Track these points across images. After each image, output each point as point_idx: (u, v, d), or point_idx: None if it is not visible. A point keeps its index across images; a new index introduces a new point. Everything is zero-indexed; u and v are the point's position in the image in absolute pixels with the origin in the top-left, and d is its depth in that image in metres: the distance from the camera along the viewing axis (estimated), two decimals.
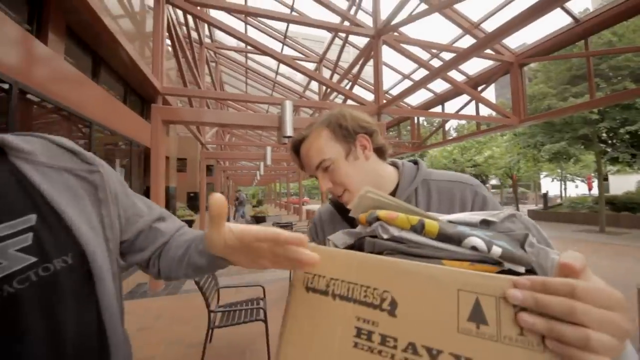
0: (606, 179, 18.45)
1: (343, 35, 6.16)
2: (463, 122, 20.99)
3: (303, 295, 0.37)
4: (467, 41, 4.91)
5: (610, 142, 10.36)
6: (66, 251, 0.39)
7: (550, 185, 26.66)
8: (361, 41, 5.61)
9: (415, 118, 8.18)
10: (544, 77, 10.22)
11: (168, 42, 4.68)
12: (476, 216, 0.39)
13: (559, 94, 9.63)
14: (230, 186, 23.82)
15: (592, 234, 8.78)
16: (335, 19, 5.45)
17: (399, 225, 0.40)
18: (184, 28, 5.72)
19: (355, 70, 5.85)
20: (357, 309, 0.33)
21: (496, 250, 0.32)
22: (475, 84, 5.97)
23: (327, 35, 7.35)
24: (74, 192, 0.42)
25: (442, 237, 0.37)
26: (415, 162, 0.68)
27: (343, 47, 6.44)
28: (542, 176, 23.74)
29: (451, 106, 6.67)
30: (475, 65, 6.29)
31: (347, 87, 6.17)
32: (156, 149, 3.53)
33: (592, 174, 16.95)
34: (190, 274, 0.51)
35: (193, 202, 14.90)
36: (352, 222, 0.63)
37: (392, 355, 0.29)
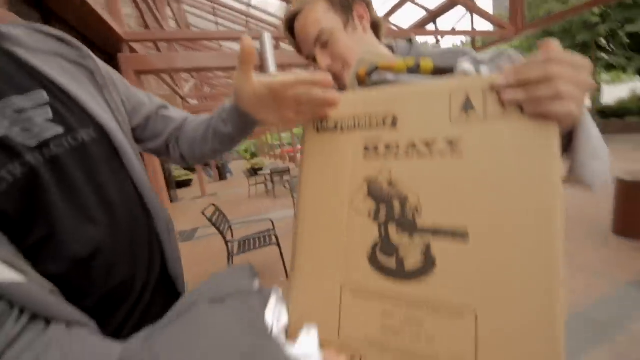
0: (599, 90, 18.18)
1: None
2: (457, 42, 19.58)
3: (314, 137, 0.41)
4: None
5: (608, 47, 9.91)
6: (87, 125, 0.39)
7: None
8: None
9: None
10: None
11: None
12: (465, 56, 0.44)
13: None
14: None
15: None
16: None
17: (397, 69, 0.43)
18: None
19: None
20: (363, 133, 0.38)
21: (484, 71, 0.36)
22: None
23: None
24: (74, 76, 0.42)
25: (437, 71, 0.41)
26: (410, 40, 0.67)
27: None
28: None
29: (444, 23, 6.13)
30: None
31: None
32: None
33: None
34: (218, 147, 0.52)
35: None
36: None
37: (395, 155, 0.35)
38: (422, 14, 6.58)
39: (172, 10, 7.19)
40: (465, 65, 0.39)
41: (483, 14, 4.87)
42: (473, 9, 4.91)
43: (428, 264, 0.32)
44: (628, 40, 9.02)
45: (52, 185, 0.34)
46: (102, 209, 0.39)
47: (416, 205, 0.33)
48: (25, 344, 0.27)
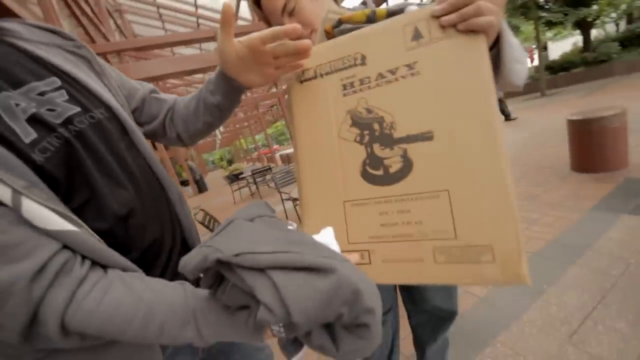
0: (545, 48, 19.46)
1: None
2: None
3: (298, 88, 0.47)
4: None
5: (546, 7, 10.62)
6: (98, 106, 0.43)
7: None
8: None
9: None
10: None
11: None
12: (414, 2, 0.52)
13: None
14: (193, 155, 22.57)
15: (534, 100, 9.73)
16: None
17: (357, 20, 0.50)
18: None
19: None
20: (339, 74, 0.44)
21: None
22: None
23: None
24: (75, 64, 0.45)
25: (390, 14, 0.47)
26: (364, 3, 0.72)
27: None
28: None
29: None
30: None
31: None
32: None
33: (533, 46, 17.76)
34: (209, 120, 0.55)
35: None
36: None
37: (368, 86, 0.41)
38: None
39: (115, 22, 6.78)
40: (412, 6, 0.48)
41: None
42: None
43: (407, 165, 0.39)
44: None
45: (85, 156, 0.38)
46: (126, 177, 0.43)
47: (391, 122, 0.40)
48: (93, 281, 0.32)
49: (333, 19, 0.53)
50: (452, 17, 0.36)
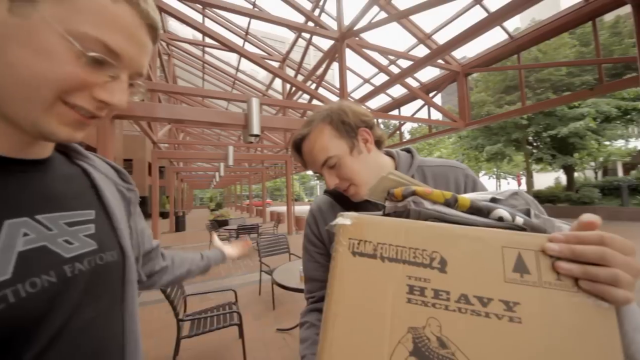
0: (531, 177, 21.50)
1: (307, 36, 6.19)
2: (416, 125, 22.69)
3: (349, 259, 0.36)
4: (421, 50, 5.30)
5: (535, 144, 12.15)
6: (114, 247, 0.44)
7: (486, 183, 30.27)
8: (325, 44, 5.70)
9: (375, 120, 8.56)
10: (483, 86, 11.60)
11: None
12: (485, 195, 0.44)
13: (495, 101, 11.05)
14: (184, 189, 22.20)
15: None
16: (299, 19, 5.45)
17: (434, 199, 0.41)
18: None
19: (319, 72, 5.92)
20: (407, 268, 0.34)
21: (519, 220, 0.37)
22: (427, 89, 6.48)
23: (288, 36, 7.31)
24: (117, 202, 0.49)
25: (473, 209, 0.40)
26: (409, 151, 0.73)
27: (307, 48, 6.45)
28: (481, 174, 26.89)
29: (407, 110, 7.16)
30: (427, 73, 6.80)
31: (312, 88, 6.21)
32: (104, 149, 3.13)
33: (521, 172, 19.64)
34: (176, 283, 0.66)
35: (141, 207, 13.83)
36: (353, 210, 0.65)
37: (445, 306, 0.32)
38: (387, 99, 7.68)
39: (161, 61, 7.53)
40: (502, 211, 0.38)
41: (437, 108, 5.83)
42: (429, 103, 5.86)
43: None
44: (550, 140, 11.24)
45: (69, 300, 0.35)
46: (113, 321, 0.42)
47: None
48: None
49: (399, 182, 0.45)
50: (574, 269, 0.29)
